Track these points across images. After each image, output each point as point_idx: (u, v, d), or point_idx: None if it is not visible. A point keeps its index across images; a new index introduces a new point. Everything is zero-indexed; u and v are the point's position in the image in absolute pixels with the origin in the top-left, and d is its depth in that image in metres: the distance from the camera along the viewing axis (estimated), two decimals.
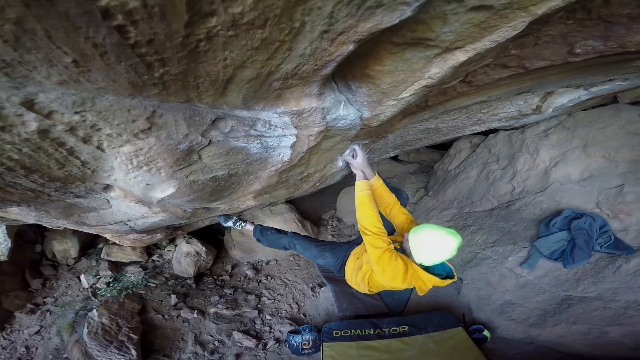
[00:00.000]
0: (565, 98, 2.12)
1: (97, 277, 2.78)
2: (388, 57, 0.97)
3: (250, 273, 3.30)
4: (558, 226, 2.17)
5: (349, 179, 4.31)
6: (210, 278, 3.18)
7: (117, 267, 2.97)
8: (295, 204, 4.28)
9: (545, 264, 2.26)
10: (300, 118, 1.24)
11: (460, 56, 0.92)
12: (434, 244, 1.30)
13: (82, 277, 2.68)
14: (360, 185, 1.53)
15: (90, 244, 3.10)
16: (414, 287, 1.43)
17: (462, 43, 0.87)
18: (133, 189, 1.20)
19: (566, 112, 2.57)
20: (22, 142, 0.75)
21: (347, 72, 1.12)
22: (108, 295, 2.49)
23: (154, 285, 2.85)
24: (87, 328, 2.18)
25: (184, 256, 3.26)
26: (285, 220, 3.94)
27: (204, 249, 3.38)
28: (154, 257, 3.23)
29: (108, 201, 1.56)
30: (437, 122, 2.28)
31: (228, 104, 0.99)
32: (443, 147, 4.25)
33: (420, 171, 4.58)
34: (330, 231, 4.00)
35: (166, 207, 1.58)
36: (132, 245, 2.58)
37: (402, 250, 1.43)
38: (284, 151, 1.48)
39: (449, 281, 1.39)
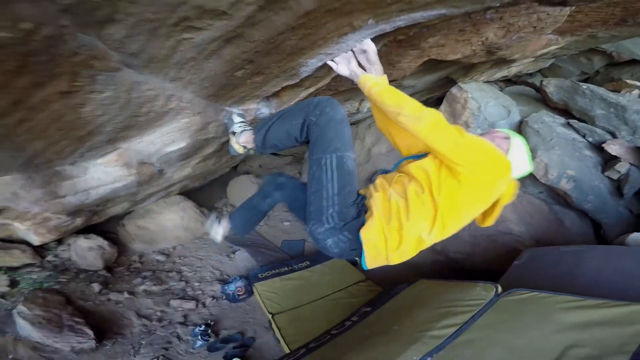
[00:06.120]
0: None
1: None
2: (288, 90, 2.06)
3: (160, 258, 3.67)
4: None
5: (233, 173, 5.19)
6: (122, 268, 3.39)
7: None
8: (188, 196, 4.71)
9: None
10: (247, 111, 2.14)
11: (312, 89, 2.12)
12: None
13: None
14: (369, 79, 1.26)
15: None
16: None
17: (312, 85, 2.06)
18: (151, 146, 1.81)
19: None
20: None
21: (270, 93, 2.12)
22: (30, 287, 2.51)
23: (66, 280, 2.91)
24: (29, 322, 2.24)
25: (87, 251, 3.33)
26: (183, 209, 4.37)
27: (106, 242, 3.50)
28: (49, 258, 3.17)
29: (87, 169, 1.96)
30: None
31: (227, 104, 1.83)
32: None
33: (295, 162, 5.85)
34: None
35: (144, 168, 2.11)
36: (48, 234, 2.64)
37: None
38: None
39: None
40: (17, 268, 2.88)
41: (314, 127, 1.21)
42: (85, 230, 3.52)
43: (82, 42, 0.79)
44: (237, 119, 1.79)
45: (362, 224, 1.17)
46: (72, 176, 1.92)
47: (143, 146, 1.75)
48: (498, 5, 1.53)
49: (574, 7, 1.93)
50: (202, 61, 1.11)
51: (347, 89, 2.62)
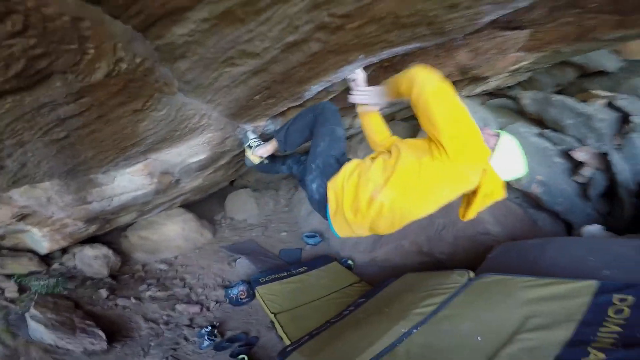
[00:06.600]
0: None
1: None
2: (292, 110, 2.46)
3: (163, 267, 3.96)
4: None
5: (229, 188, 5.52)
6: (127, 276, 3.67)
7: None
8: (188, 209, 5.02)
9: None
10: (257, 128, 2.54)
11: None
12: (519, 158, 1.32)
13: None
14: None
15: None
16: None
17: None
18: (177, 157, 2.19)
19: None
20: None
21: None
22: (40, 292, 2.76)
23: (73, 286, 3.18)
24: (42, 325, 2.47)
25: (93, 259, 3.62)
26: (184, 221, 4.70)
27: (111, 251, 3.80)
28: (55, 266, 3.43)
29: (115, 177, 2.31)
30: None
31: (242, 122, 2.23)
32: None
33: (290, 176, 6.22)
34: (225, 227, 5.02)
35: (165, 177, 2.47)
36: (62, 241, 2.94)
37: None
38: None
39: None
40: (25, 276, 3.14)
41: (319, 116, 1.67)
42: (88, 241, 3.80)
43: (161, 72, 1.17)
44: (251, 135, 2.21)
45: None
46: (102, 184, 2.28)
47: (170, 157, 2.12)
48: (461, 35, 1.97)
49: (531, 29, 2.36)
50: (233, 88, 1.51)
51: (341, 107, 3.07)
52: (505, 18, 1.77)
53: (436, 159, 1.22)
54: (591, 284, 1.84)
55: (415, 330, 1.86)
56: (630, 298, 1.67)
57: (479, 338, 1.77)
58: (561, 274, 2.02)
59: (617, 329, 1.52)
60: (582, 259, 2.12)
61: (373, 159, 1.43)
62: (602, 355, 1.34)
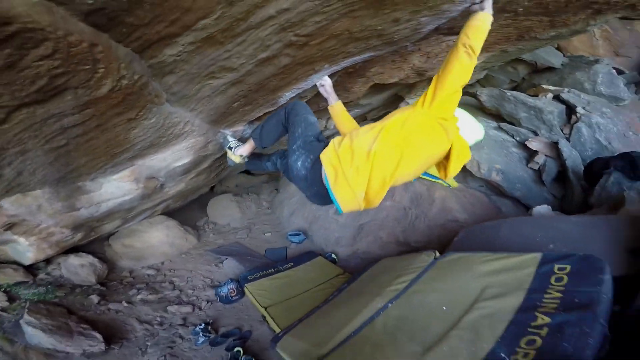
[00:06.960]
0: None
1: None
2: (268, 115, 2.66)
3: (151, 272, 4.08)
4: None
5: (210, 194, 5.67)
6: (115, 282, 3.77)
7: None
8: (170, 216, 5.12)
9: None
10: (235, 132, 2.75)
11: None
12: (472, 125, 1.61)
13: None
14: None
15: None
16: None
17: None
18: (163, 162, 2.37)
19: None
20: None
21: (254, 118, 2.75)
22: (31, 300, 2.84)
23: (63, 294, 3.26)
24: (39, 330, 2.55)
25: (79, 267, 3.70)
26: (168, 227, 4.80)
27: (96, 259, 3.86)
28: (41, 276, 3.48)
29: (102, 184, 2.45)
30: None
31: (222, 127, 2.43)
32: None
33: (270, 180, 6.41)
34: (209, 232, 5.16)
35: (150, 182, 2.64)
36: (49, 249, 3.03)
37: None
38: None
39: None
40: (12, 285, 3.19)
41: (290, 111, 1.84)
42: (71, 251, 3.85)
43: (153, 86, 1.37)
44: (230, 138, 2.44)
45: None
46: (90, 191, 2.42)
47: (156, 162, 2.30)
48: (411, 43, 2.22)
49: None
50: (213, 97, 1.72)
51: (314, 110, 3.32)
52: (446, 26, 2.03)
53: (418, 109, 1.42)
54: (535, 256, 2.11)
55: (390, 305, 2.11)
56: (568, 267, 1.93)
57: (444, 308, 2.03)
58: (513, 249, 2.32)
59: (559, 295, 1.74)
60: (531, 235, 2.43)
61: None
62: (547, 319, 1.52)
